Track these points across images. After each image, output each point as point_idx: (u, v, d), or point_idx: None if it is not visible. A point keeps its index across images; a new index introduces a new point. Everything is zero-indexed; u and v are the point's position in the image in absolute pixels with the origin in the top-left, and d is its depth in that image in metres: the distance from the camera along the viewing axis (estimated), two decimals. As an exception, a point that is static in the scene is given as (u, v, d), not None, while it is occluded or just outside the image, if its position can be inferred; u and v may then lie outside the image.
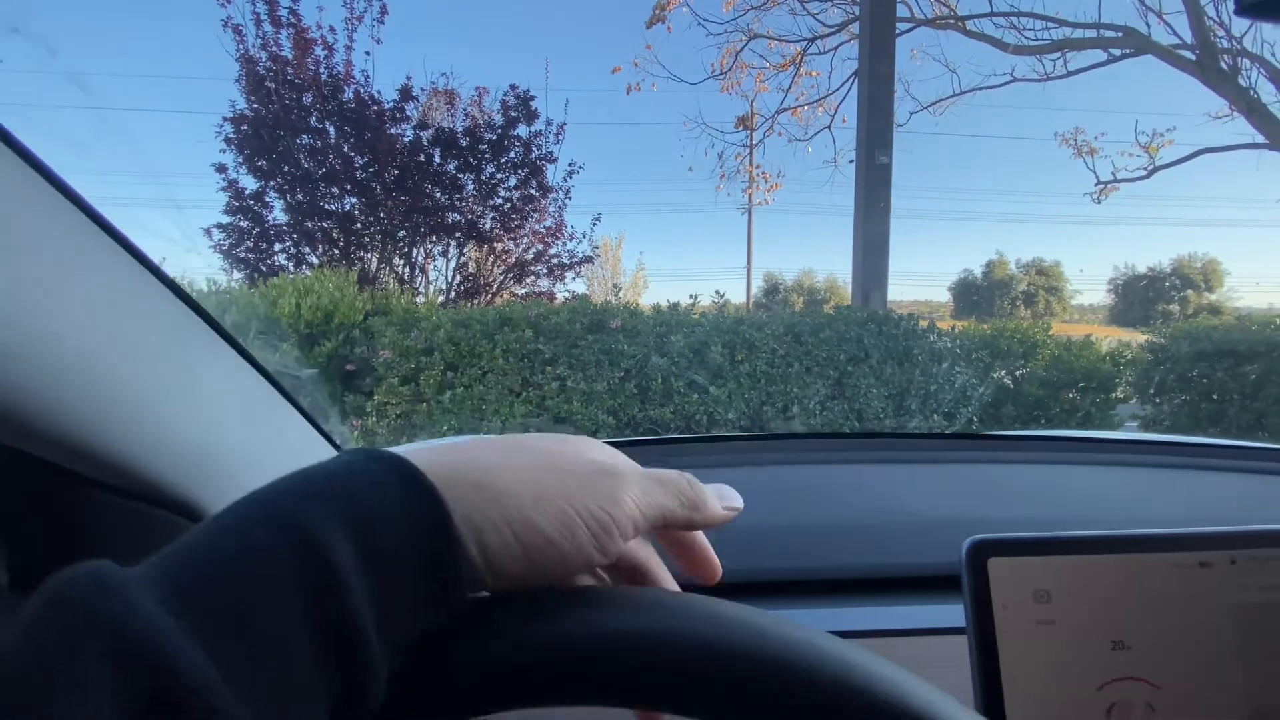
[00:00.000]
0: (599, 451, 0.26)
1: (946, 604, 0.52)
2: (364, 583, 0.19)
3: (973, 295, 31.38)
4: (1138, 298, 27.31)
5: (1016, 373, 4.49)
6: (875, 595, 0.54)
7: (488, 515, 0.21)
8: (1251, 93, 6.83)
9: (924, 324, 4.37)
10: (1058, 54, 8.02)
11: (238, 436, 0.53)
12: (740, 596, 0.54)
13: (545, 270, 7.21)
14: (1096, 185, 8.89)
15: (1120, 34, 7.51)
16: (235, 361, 0.53)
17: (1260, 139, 7.19)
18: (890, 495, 0.71)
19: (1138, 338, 5.23)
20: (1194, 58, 6.98)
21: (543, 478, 0.23)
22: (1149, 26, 7.37)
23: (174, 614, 0.16)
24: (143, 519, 0.49)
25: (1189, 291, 26.59)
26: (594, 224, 7.68)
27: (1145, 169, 8.43)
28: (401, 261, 6.73)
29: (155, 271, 0.44)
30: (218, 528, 0.19)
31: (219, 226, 6.41)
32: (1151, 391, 4.66)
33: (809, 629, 0.23)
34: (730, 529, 0.62)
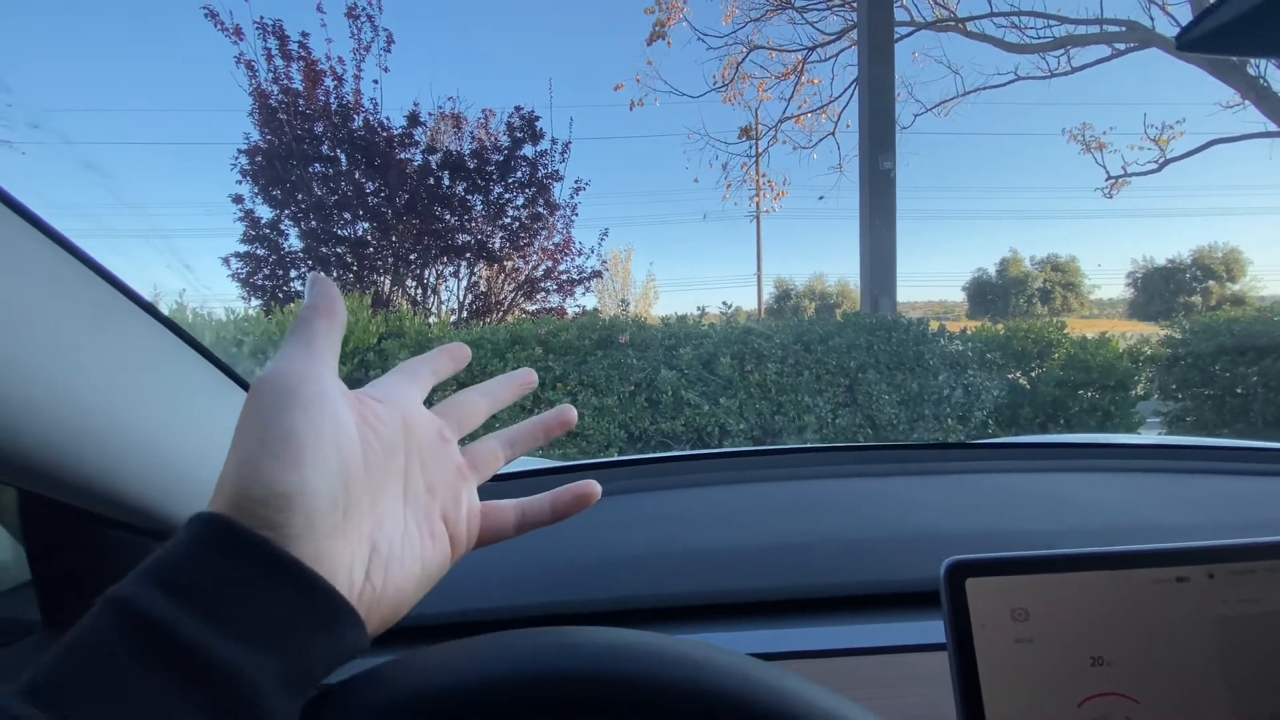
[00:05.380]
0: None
1: (934, 620, 0.53)
2: (167, 602, 0.21)
3: (988, 294, 31.05)
4: (1158, 290, 26.84)
5: (1032, 373, 4.44)
6: (864, 612, 0.55)
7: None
8: (1261, 81, 6.75)
9: (935, 327, 4.35)
10: (1061, 51, 7.99)
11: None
12: (727, 618, 0.55)
13: (555, 286, 7.27)
14: (1107, 180, 8.81)
15: (1123, 28, 7.47)
16: (237, 394, 0.55)
17: (1272, 127, 7.09)
18: (886, 510, 0.72)
19: (1158, 331, 5.14)
20: (1200, 48, 6.90)
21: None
22: (1152, 19, 7.33)
23: (42, 706, 0.19)
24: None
25: (1210, 282, 26.09)
26: (602, 238, 7.76)
27: (1156, 162, 8.34)
28: (414, 283, 6.83)
29: (148, 308, 0.45)
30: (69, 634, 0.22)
31: (237, 255, 6.56)
32: (1173, 388, 4.58)
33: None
34: (730, 549, 0.64)
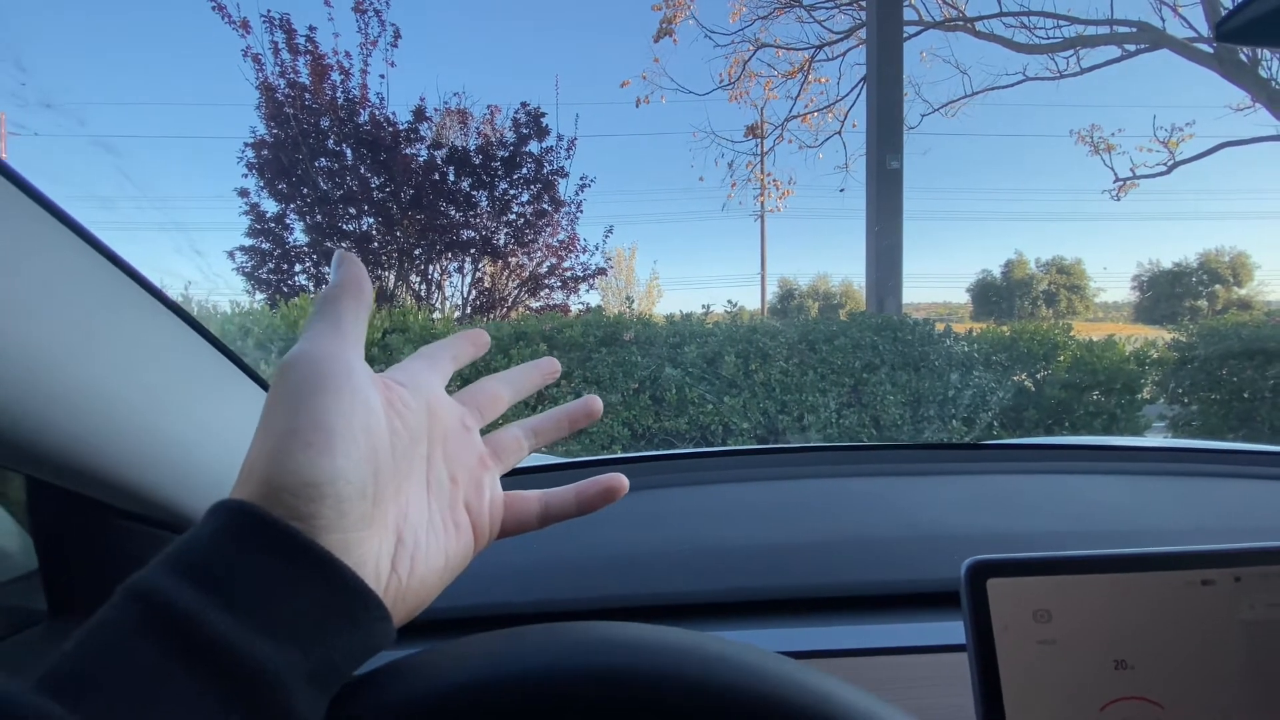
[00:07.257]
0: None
1: (952, 620, 0.52)
2: (193, 593, 0.20)
3: (992, 296, 30.97)
4: (1164, 294, 26.75)
5: (1037, 375, 4.42)
6: (880, 612, 0.54)
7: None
8: (1273, 84, 6.70)
9: (940, 328, 4.33)
10: (1070, 52, 7.94)
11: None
12: (740, 616, 0.55)
13: (559, 283, 7.26)
14: (1115, 182, 8.76)
15: (1134, 29, 7.42)
16: (249, 386, 0.54)
17: (1284, 130, 7.04)
18: (897, 509, 0.71)
19: (1164, 335, 5.12)
20: (1211, 50, 6.87)
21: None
22: (1163, 20, 7.28)
23: (60, 700, 0.18)
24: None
25: (1217, 286, 25.98)
26: (606, 236, 7.73)
27: (1165, 164, 8.29)
28: (418, 279, 6.83)
29: (159, 296, 0.45)
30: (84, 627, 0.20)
31: (242, 249, 6.57)
32: (1180, 392, 4.56)
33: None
34: (743, 547, 0.63)
